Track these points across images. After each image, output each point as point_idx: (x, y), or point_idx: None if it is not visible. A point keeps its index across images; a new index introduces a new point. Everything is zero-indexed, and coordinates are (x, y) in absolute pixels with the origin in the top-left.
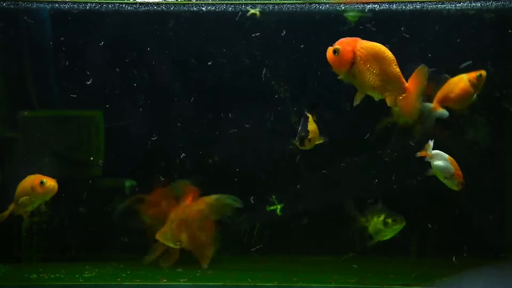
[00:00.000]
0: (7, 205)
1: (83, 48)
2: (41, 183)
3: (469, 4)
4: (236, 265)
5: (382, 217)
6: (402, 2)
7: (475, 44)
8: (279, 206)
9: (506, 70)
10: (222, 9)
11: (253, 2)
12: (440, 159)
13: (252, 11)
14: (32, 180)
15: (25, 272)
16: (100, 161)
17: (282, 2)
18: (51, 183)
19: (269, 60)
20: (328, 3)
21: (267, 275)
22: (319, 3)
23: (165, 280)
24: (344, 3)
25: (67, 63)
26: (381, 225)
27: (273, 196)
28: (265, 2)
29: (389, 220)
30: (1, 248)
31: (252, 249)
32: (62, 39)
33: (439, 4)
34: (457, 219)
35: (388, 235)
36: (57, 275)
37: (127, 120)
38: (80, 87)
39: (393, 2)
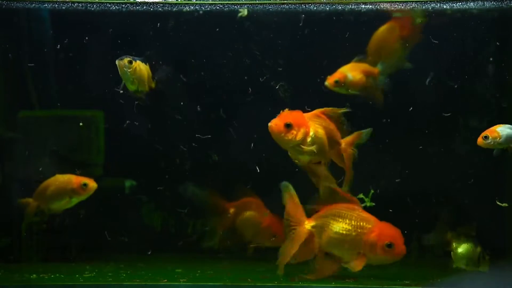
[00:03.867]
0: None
1: (83, 48)
2: (84, 185)
3: (469, 4)
4: (236, 265)
5: (478, 249)
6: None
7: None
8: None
9: (506, 70)
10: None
11: (254, 2)
12: None
13: (241, 12)
14: (69, 181)
15: (25, 272)
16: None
17: (285, 2)
18: (93, 184)
19: (274, 60)
20: (331, 3)
21: (267, 275)
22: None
23: (165, 280)
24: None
25: (67, 63)
26: (472, 254)
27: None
28: (266, 2)
29: (487, 257)
30: (1, 248)
31: (251, 245)
32: (62, 39)
33: (439, 3)
34: (457, 219)
35: (469, 266)
36: (57, 275)
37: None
38: (80, 87)
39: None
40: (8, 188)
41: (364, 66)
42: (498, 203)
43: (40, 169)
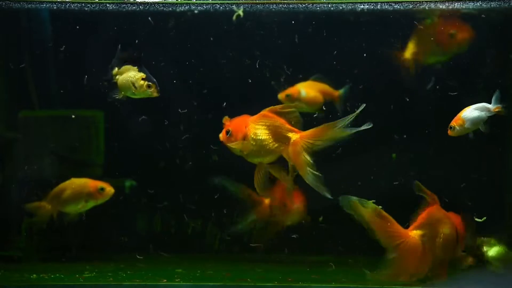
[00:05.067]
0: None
1: (83, 48)
2: (101, 190)
3: (470, 4)
4: (236, 265)
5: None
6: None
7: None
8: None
9: (505, 70)
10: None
11: (255, 2)
12: None
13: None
14: (86, 185)
15: (25, 272)
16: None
17: (286, 2)
18: (110, 189)
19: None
20: (332, 3)
21: (267, 275)
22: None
23: (165, 280)
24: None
25: (67, 63)
26: (506, 257)
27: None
28: (267, 2)
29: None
30: (1, 248)
31: (251, 244)
32: (63, 39)
33: (439, 3)
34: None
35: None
36: (57, 275)
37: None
38: (80, 87)
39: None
40: (7, 188)
41: (323, 86)
42: (476, 219)
43: (40, 169)
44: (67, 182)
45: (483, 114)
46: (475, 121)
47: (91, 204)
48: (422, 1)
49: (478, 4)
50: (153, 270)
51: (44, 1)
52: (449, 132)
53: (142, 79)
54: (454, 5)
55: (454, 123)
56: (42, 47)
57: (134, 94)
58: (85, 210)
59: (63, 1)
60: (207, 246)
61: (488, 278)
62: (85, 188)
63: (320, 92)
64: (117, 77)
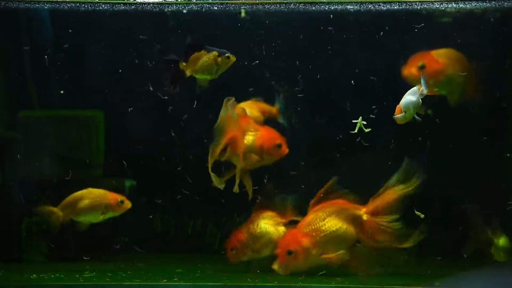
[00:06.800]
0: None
1: (83, 48)
2: (121, 202)
3: (471, 4)
4: (236, 265)
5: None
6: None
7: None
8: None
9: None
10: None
11: (256, 2)
12: None
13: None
14: (105, 197)
15: (25, 272)
16: None
17: (286, 2)
18: (128, 202)
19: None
20: (333, 2)
21: (266, 275)
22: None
23: (165, 280)
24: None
25: (67, 63)
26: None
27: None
28: (267, 2)
29: None
30: (1, 248)
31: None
32: (62, 39)
33: (439, 3)
34: (457, 219)
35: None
36: (57, 275)
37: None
38: (80, 87)
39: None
40: (7, 188)
41: (262, 105)
42: (416, 212)
43: (40, 169)
44: (84, 192)
45: (414, 98)
46: (409, 105)
47: (109, 215)
48: (428, 1)
49: (478, 4)
50: (153, 270)
51: (43, 1)
52: (397, 121)
53: (218, 56)
54: (454, 6)
55: (395, 113)
56: (42, 47)
57: (216, 73)
58: (97, 221)
59: (63, 1)
60: (207, 246)
61: (488, 278)
62: (104, 200)
63: (260, 111)
64: (188, 70)
